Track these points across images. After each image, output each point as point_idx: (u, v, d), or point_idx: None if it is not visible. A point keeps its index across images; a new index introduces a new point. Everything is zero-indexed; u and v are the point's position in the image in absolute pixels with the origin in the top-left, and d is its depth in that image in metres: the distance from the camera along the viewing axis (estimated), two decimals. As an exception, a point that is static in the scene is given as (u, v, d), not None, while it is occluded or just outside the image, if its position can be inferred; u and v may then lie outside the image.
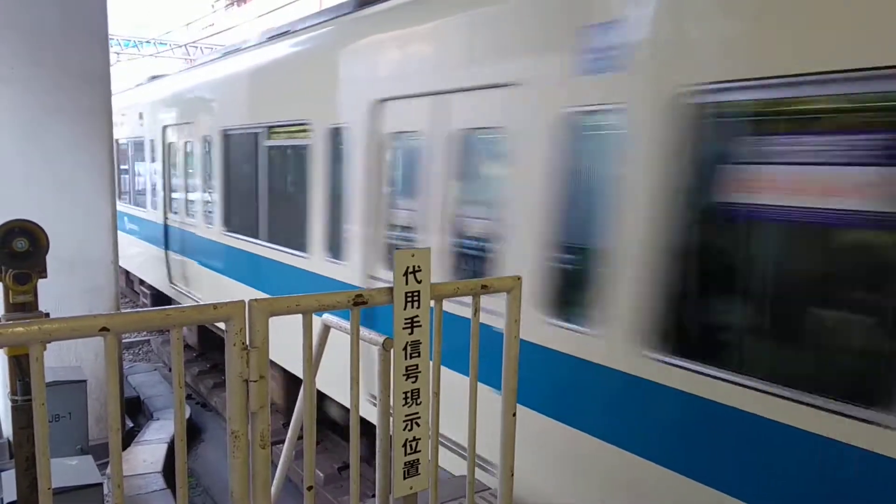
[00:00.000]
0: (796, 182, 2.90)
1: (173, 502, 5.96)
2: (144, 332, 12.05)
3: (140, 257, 12.12)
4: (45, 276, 3.63)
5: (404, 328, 2.59)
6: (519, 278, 2.92)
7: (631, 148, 3.42)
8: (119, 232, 7.52)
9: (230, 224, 8.16)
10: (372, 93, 5.36)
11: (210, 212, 8.75)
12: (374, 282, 5.38)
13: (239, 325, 2.20)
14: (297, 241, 6.49)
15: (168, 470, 6.68)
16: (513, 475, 3.01)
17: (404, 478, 2.69)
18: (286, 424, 4.58)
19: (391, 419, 2.71)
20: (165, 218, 10.66)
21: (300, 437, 2.88)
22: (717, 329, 3.31)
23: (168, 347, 10.86)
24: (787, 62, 2.82)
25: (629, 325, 3.41)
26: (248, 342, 2.23)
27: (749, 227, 3.14)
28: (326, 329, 3.22)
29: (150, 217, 11.47)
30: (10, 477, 3.90)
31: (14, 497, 3.61)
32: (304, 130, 6.38)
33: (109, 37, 7.05)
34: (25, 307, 3.55)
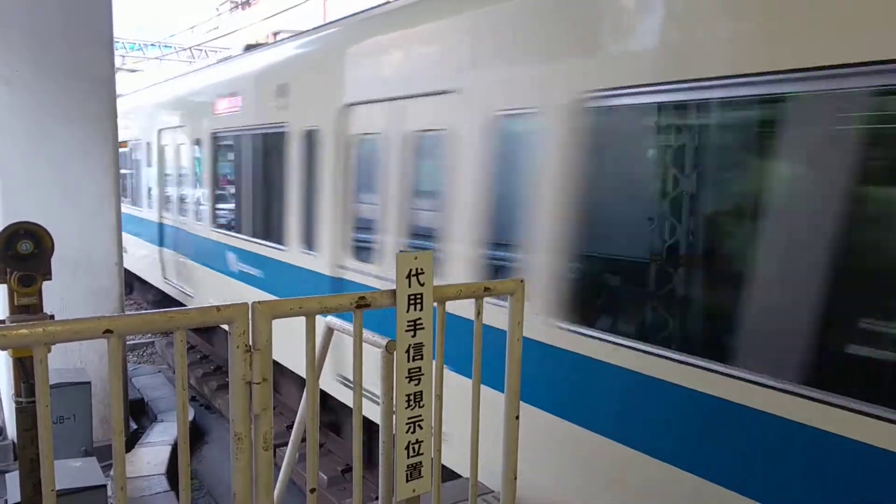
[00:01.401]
0: None
1: (177, 504, 5.98)
2: (149, 334, 12.07)
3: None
4: (50, 279, 3.64)
5: (407, 330, 2.60)
6: (521, 281, 2.93)
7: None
8: None
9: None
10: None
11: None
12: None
13: (242, 328, 2.21)
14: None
15: (172, 472, 6.68)
16: (515, 478, 3.01)
17: (407, 480, 2.69)
18: (290, 427, 4.58)
19: (394, 421, 2.71)
20: None
21: (304, 440, 2.88)
22: None
23: (172, 349, 10.85)
24: None
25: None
26: (251, 344, 2.24)
27: None
28: (330, 331, 3.22)
29: None
30: (14, 478, 3.90)
31: (18, 499, 3.61)
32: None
33: (114, 40, 7.05)
34: (30, 309, 3.56)
